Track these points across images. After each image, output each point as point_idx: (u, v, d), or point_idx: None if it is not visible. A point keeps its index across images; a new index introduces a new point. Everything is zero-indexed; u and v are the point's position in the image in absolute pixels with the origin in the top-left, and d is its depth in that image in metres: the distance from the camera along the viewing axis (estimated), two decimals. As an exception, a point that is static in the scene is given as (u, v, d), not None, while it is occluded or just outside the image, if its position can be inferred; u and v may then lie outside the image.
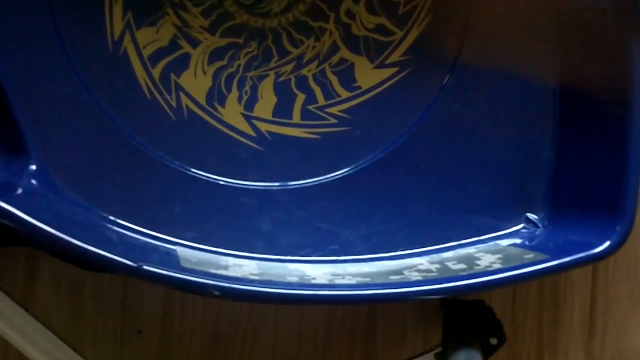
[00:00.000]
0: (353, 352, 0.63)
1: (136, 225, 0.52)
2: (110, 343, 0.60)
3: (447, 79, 0.57)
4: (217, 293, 0.45)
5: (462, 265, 0.50)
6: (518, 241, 0.55)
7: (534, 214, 0.56)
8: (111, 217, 0.52)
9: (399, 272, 0.51)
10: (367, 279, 0.49)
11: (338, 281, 0.49)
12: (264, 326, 0.63)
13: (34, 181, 0.50)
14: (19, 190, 0.49)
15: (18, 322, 0.53)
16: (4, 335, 0.52)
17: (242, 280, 0.47)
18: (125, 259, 0.44)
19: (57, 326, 0.58)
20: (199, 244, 0.53)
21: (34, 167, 0.50)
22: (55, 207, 0.49)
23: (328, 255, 0.54)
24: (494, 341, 0.58)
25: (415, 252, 0.54)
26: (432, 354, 0.57)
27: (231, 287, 0.45)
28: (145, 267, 0.44)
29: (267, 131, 0.57)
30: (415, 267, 0.51)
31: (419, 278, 0.49)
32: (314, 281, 0.48)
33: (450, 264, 0.51)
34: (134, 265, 0.44)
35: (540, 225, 0.56)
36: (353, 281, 0.49)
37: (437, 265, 0.51)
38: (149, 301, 0.62)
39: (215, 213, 0.54)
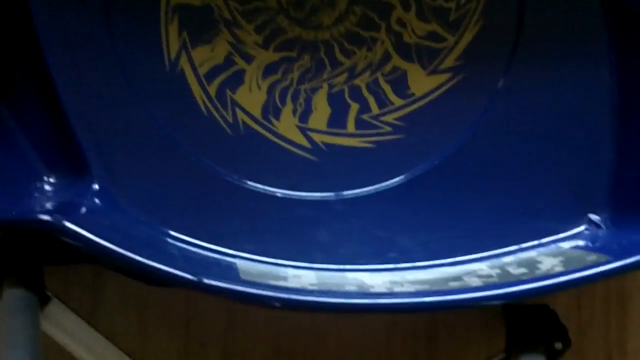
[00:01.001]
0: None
1: (196, 239, 0.53)
2: (174, 357, 0.61)
3: (501, 82, 0.57)
4: (277, 304, 0.45)
5: (523, 270, 0.50)
6: (580, 243, 0.54)
7: (596, 214, 0.55)
8: (172, 232, 0.53)
9: (458, 278, 0.50)
10: (426, 286, 0.49)
11: (397, 289, 0.49)
12: (326, 337, 0.63)
13: (97, 200, 0.51)
14: (83, 210, 0.50)
15: (85, 338, 0.54)
16: (72, 352, 0.53)
17: (301, 290, 0.47)
18: (186, 272, 0.45)
19: (122, 341, 0.59)
20: (258, 256, 0.53)
21: (96, 186, 0.52)
22: (117, 225, 0.51)
23: (387, 263, 0.54)
24: (558, 346, 0.57)
25: (475, 258, 0.54)
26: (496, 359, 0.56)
27: (290, 297, 0.45)
28: (206, 281, 0.45)
29: (322, 142, 0.57)
30: (474, 272, 0.51)
31: (479, 284, 0.48)
32: (372, 290, 0.49)
33: (510, 269, 0.50)
34: (195, 279, 0.45)
35: (602, 226, 0.55)
36: (412, 289, 0.49)
37: (498, 271, 0.51)
38: (212, 315, 0.63)
39: (273, 225, 0.55)
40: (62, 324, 0.53)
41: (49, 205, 0.50)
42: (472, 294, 0.47)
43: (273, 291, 0.45)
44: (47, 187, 0.52)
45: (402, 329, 0.63)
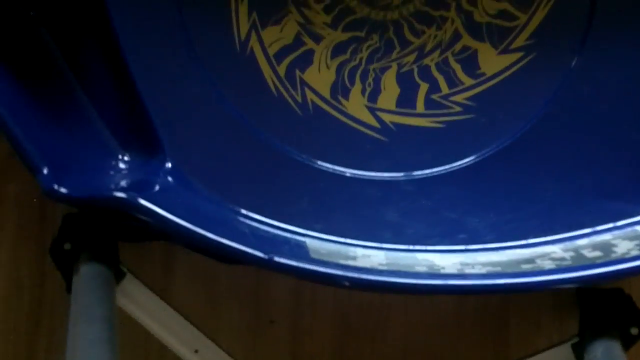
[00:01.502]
0: (484, 343, 0.62)
1: (267, 218, 0.53)
2: (244, 333, 0.62)
3: (574, 60, 0.55)
4: (347, 283, 0.45)
5: (597, 253, 0.49)
6: (658, 226, 0.52)
7: (674, 197, 0.54)
8: (242, 211, 0.53)
9: (531, 260, 0.49)
10: (498, 268, 0.48)
11: (468, 271, 0.48)
12: (395, 316, 0.63)
13: (169, 179, 0.52)
14: (156, 188, 0.51)
15: (158, 313, 0.55)
16: (146, 326, 0.55)
17: (371, 270, 0.47)
18: (258, 250, 0.45)
19: (194, 317, 0.60)
20: (327, 235, 0.54)
21: (169, 165, 0.53)
22: (189, 203, 0.52)
23: (456, 244, 0.53)
24: (634, 331, 0.56)
25: (547, 240, 0.53)
26: (568, 344, 0.55)
27: (360, 277, 0.45)
28: (276, 259, 0.45)
29: (391, 122, 0.57)
30: (548, 255, 0.50)
31: (553, 267, 0.47)
32: (443, 271, 0.48)
33: (585, 252, 0.49)
34: (265, 257, 0.45)
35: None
36: (483, 270, 0.48)
37: (572, 253, 0.50)
38: (281, 292, 0.63)
39: (342, 204, 0.55)
40: (137, 299, 0.54)
41: (123, 183, 0.51)
42: (545, 276, 0.46)
43: (343, 270, 0.45)
44: (121, 166, 0.53)
45: (472, 310, 0.63)
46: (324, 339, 0.62)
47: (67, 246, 0.55)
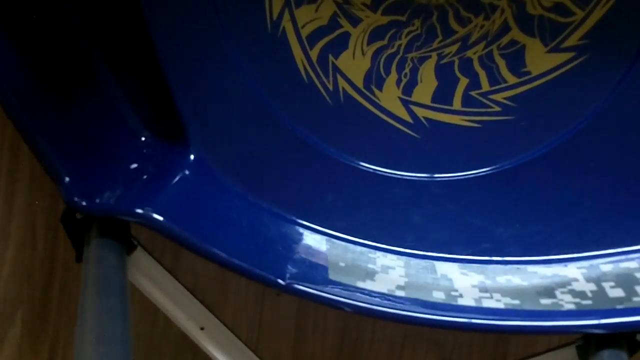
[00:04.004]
0: (484, 344, 0.63)
1: (289, 214, 0.52)
2: (251, 304, 0.62)
3: (629, 69, 0.51)
4: (366, 314, 0.45)
5: (619, 292, 0.48)
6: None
7: None
8: (265, 205, 0.52)
9: (550, 291, 0.48)
10: (516, 302, 0.47)
11: (485, 302, 0.47)
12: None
13: (192, 170, 0.50)
14: (176, 179, 0.50)
15: (167, 287, 0.55)
16: (155, 300, 0.55)
17: (387, 300, 0.47)
18: (276, 277, 0.45)
19: (202, 286, 0.61)
20: (349, 235, 0.53)
21: (192, 156, 0.51)
22: (210, 197, 0.50)
23: (479, 254, 0.52)
24: (640, 337, 0.56)
25: (571, 258, 0.52)
26: (573, 346, 0.55)
27: (376, 309, 0.45)
28: (295, 286, 0.45)
29: (424, 117, 0.54)
30: (568, 284, 0.49)
31: (572, 307, 0.47)
32: (460, 300, 0.47)
33: (607, 286, 0.48)
34: (284, 283, 0.45)
35: None
36: (501, 304, 0.47)
37: (593, 287, 0.48)
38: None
39: (366, 203, 0.53)
40: (147, 272, 0.54)
41: (145, 162, 0.50)
42: (563, 321, 0.45)
43: (361, 301, 0.45)
44: (144, 151, 0.51)
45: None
46: (328, 313, 0.62)
47: (79, 216, 0.55)
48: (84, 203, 0.45)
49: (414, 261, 0.52)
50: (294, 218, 0.52)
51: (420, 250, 0.52)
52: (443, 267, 0.51)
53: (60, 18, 0.49)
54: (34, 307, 0.62)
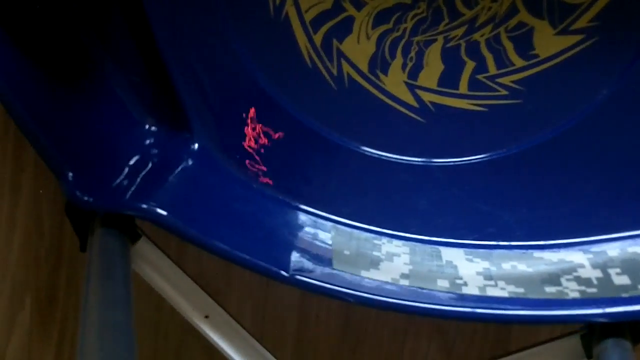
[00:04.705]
0: (486, 331, 0.63)
1: (294, 201, 0.52)
2: (256, 288, 0.62)
3: (637, 54, 0.50)
4: (369, 305, 0.45)
5: (625, 279, 0.47)
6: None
7: None
8: (269, 193, 0.52)
9: (555, 278, 0.48)
10: (521, 290, 0.47)
11: (490, 290, 0.47)
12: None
13: (196, 159, 0.50)
14: (179, 169, 0.49)
15: (172, 277, 0.55)
16: (159, 290, 0.55)
17: (391, 289, 0.46)
18: (279, 268, 0.45)
19: (208, 271, 0.61)
20: (354, 220, 0.52)
21: (196, 145, 0.50)
22: (211, 188, 0.50)
23: (484, 239, 0.52)
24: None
25: (577, 242, 0.51)
26: (577, 335, 0.55)
27: (382, 300, 0.45)
28: (298, 277, 0.45)
29: (430, 102, 0.53)
30: (574, 270, 0.49)
31: (577, 295, 0.46)
32: (464, 289, 0.47)
33: (613, 273, 0.48)
34: (287, 275, 0.45)
35: None
36: (505, 292, 0.47)
37: (598, 274, 0.48)
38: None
39: (371, 189, 0.53)
40: (151, 261, 0.54)
41: (147, 153, 0.50)
42: (568, 311, 0.45)
43: (366, 293, 0.45)
44: (147, 141, 0.51)
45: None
46: (331, 302, 0.62)
47: (82, 207, 0.55)
48: (86, 199, 0.45)
49: (420, 247, 0.51)
50: (298, 204, 0.52)
51: (426, 236, 0.52)
52: (448, 253, 0.51)
53: (61, 9, 0.48)
54: (43, 291, 0.62)
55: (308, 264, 0.47)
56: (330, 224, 0.52)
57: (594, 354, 0.49)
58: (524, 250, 0.52)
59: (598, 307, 0.45)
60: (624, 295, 0.46)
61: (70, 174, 0.45)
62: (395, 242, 0.52)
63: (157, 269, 0.54)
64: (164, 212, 0.44)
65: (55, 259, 0.62)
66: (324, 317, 0.62)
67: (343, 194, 0.53)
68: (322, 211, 0.53)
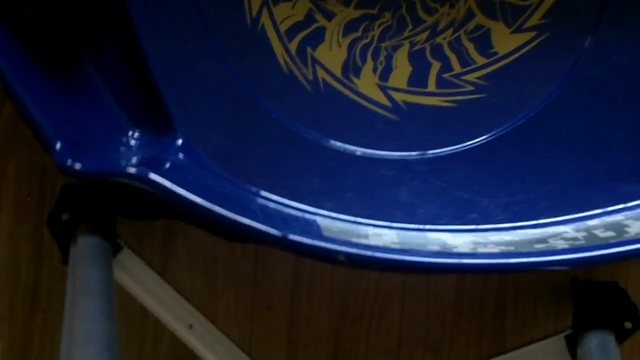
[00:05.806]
0: (481, 333, 0.62)
1: (278, 196, 0.53)
2: (241, 318, 0.61)
3: (588, 41, 0.55)
4: (370, 264, 0.44)
5: (610, 233, 0.48)
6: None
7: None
8: (253, 188, 0.53)
9: (543, 240, 0.49)
10: (511, 248, 0.48)
11: (481, 250, 0.48)
12: (391, 305, 0.63)
13: (180, 156, 0.51)
14: (167, 165, 0.50)
15: (154, 288, 0.54)
16: (141, 300, 0.54)
17: (385, 249, 0.46)
18: (271, 228, 0.44)
19: (190, 298, 0.59)
20: (338, 213, 0.53)
21: (180, 142, 0.52)
22: (201, 180, 0.51)
23: (468, 224, 0.53)
24: (628, 325, 0.55)
25: (559, 220, 0.52)
26: (562, 336, 0.55)
27: (374, 256, 0.44)
28: (291, 237, 0.44)
29: (402, 101, 0.56)
30: (560, 235, 0.50)
31: (566, 246, 0.47)
32: (455, 250, 0.48)
33: (597, 232, 0.49)
34: (280, 234, 0.44)
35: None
36: (496, 250, 0.48)
37: (584, 234, 0.49)
38: (278, 278, 0.63)
39: (353, 184, 0.54)
40: (133, 272, 0.53)
41: (134, 160, 0.50)
42: (560, 256, 0.45)
43: (361, 249, 0.44)
44: (132, 142, 0.52)
45: (469, 302, 0.62)
46: (320, 325, 0.62)
47: (65, 217, 0.54)
48: (77, 165, 0.44)
49: (405, 232, 0.52)
50: (283, 200, 0.53)
51: (410, 224, 0.53)
52: (435, 235, 0.52)
53: (46, 16, 0.51)
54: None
55: (298, 229, 0.47)
56: (316, 217, 0.53)
57: (579, 354, 0.49)
58: (507, 232, 0.53)
59: (587, 251, 0.46)
60: (612, 241, 0.47)
61: (59, 144, 0.45)
62: (381, 229, 0.52)
63: (139, 280, 0.53)
64: (157, 177, 0.44)
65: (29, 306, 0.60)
66: (313, 345, 0.61)
67: (326, 190, 0.54)
68: (306, 205, 0.53)
